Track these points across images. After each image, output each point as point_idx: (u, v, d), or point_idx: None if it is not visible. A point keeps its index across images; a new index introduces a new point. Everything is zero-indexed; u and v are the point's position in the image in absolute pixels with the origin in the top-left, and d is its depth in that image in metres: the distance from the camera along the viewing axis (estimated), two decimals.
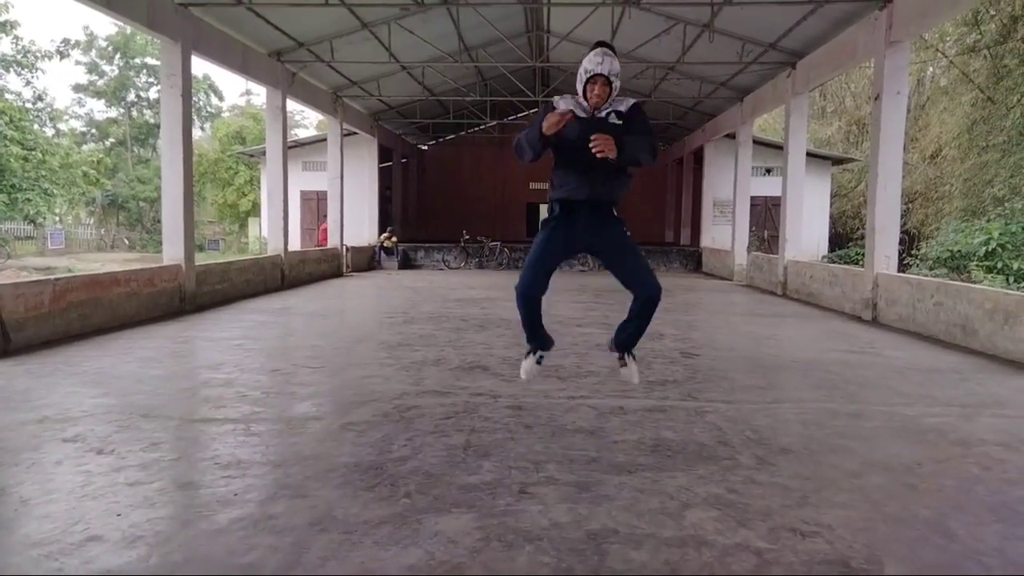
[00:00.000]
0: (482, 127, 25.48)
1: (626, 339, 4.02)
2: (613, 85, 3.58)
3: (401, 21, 13.25)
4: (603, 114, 3.63)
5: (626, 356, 4.05)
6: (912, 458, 3.92)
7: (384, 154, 22.29)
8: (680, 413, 4.79)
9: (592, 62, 3.57)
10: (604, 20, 12.98)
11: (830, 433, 4.37)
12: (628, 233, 3.80)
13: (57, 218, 34.78)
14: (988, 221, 15.85)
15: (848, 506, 3.22)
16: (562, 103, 3.69)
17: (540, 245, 3.78)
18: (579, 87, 3.63)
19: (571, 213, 3.73)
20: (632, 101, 3.69)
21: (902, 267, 14.83)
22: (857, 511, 3.17)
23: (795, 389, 5.68)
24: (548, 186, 3.87)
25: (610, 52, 3.62)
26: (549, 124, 3.43)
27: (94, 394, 5.11)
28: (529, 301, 3.87)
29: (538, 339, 4.08)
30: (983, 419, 4.78)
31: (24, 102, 31.86)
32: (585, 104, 3.64)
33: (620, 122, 3.62)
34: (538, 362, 4.09)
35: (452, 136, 27.30)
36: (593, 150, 3.36)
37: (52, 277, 7.71)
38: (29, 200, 26.88)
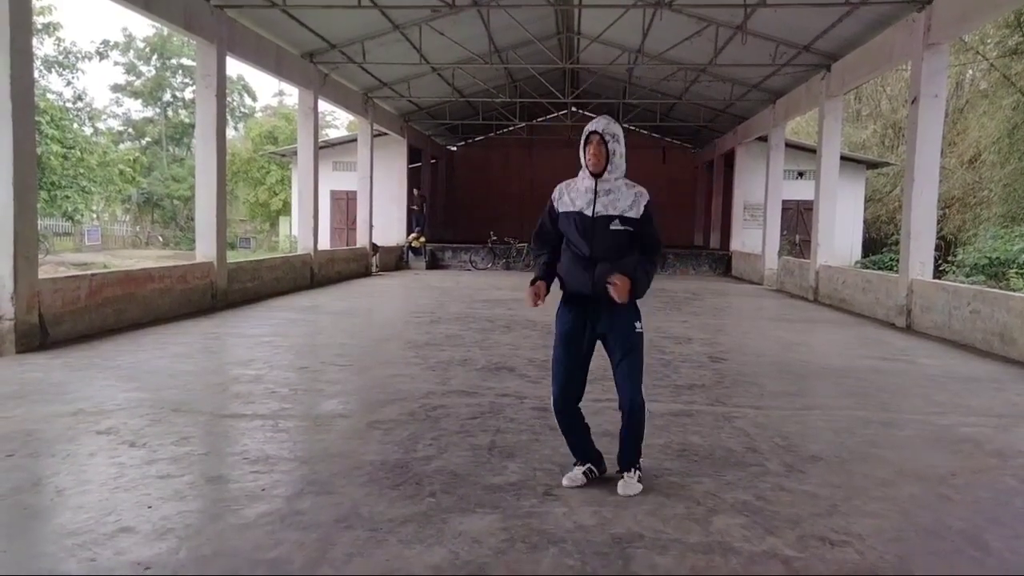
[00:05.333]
0: (511, 128, 25.49)
1: (622, 454, 3.54)
2: (610, 146, 3.34)
3: (432, 23, 13.31)
4: (603, 212, 3.37)
5: (626, 472, 3.50)
6: (946, 468, 3.83)
7: (414, 155, 22.40)
8: (707, 418, 4.74)
9: (590, 124, 3.43)
10: (635, 22, 12.91)
11: (861, 441, 4.29)
12: (639, 329, 3.44)
13: (94, 215, 35.50)
14: None
15: (879, 516, 3.16)
16: (561, 191, 3.53)
17: (557, 344, 3.54)
18: (581, 154, 3.42)
19: (579, 304, 3.47)
20: (644, 203, 3.39)
21: (938, 274, 14.52)
22: (888, 521, 3.11)
23: (826, 396, 5.59)
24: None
25: (611, 119, 3.46)
26: (528, 302, 3.51)
27: (127, 388, 5.21)
28: (563, 416, 3.53)
29: (581, 454, 3.60)
30: (1021, 430, 4.66)
31: (64, 102, 32.61)
32: (586, 173, 3.41)
33: (627, 228, 3.35)
34: (585, 475, 3.54)
35: (481, 137, 27.37)
36: (611, 292, 3.29)
37: (88, 273, 7.89)
38: (68, 197, 27.51)
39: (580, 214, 3.39)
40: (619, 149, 3.39)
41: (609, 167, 3.37)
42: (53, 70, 32.23)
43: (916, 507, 3.28)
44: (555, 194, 3.53)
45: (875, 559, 2.75)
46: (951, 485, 3.59)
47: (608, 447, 3.99)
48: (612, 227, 3.35)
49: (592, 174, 3.39)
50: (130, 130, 46.41)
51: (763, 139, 18.00)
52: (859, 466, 3.84)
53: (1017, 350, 7.21)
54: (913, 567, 2.70)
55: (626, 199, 3.38)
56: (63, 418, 4.40)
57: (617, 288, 3.27)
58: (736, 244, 20.52)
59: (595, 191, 3.39)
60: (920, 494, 3.45)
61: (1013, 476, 3.75)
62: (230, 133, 42.33)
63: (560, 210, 3.47)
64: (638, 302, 3.45)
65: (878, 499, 3.37)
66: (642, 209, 3.38)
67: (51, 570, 2.55)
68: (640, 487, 3.46)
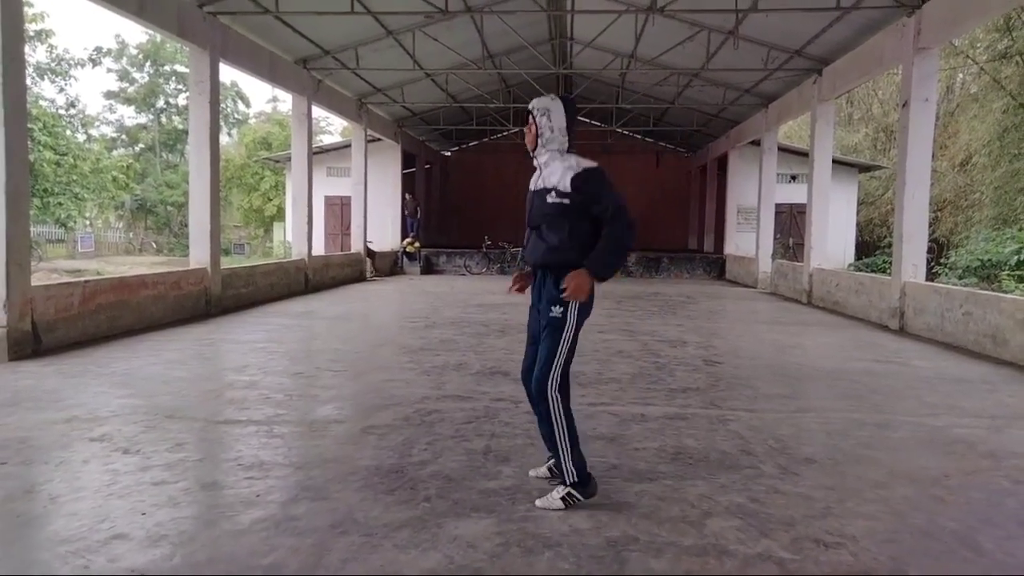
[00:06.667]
0: (505, 134, 25.55)
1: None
2: (538, 121, 3.32)
3: (425, 29, 13.34)
4: (541, 186, 3.33)
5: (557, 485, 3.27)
6: (939, 470, 3.85)
7: (408, 160, 22.42)
8: (702, 421, 4.75)
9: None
10: (628, 27, 12.97)
11: (855, 443, 4.31)
12: (555, 312, 3.23)
13: (87, 222, 35.40)
14: (1020, 230, 15.58)
15: (873, 517, 3.18)
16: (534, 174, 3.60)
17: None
18: None
19: (535, 275, 3.48)
20: (570, 176, 3.21)
21: (930, 276, 14.59)
22: (882, 523, 3.12)
23: (820, 398, 5.60)
24: None
25: (552, 96, 3.41)
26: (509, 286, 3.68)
27: (121, 395, 5.20)
28: (525, 384, 3.44)
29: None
30: (1013, 431, 4.69)
31: (57, 109, 32.57)
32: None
33: (561, 200, 3.23)
34: (550, 470, 3.46)
35: (475, 142, 27.41)
36: (564, 296, 3.15)
37: (82, 279, 7.86)
38: (60, 204, 27.45)
39: (530, 191, 3.45)
40: (548, 123, 3.34)
41: (540, 141, 3.38)
42: (46, 77, 32.22)
43: (909, 508, 3.30)
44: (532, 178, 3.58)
45: (869, 560, 2.76)
46: (944, 486, 3.61)
47: (601, 450, 4.00)
48: (549, 199, 3.29)
49: (531, 151, 3.44)
50: (123, 136, 46.26)
51: (756, 143, 18.09)
52: (853, 468, 3.86)
53: (1009, 351, 7.25)
54: (907, 568, 2.72)
55: (556, 173, 3.30)
56: (56, 425, 4.39)
57: (568, 288, 3.12)
58: (730, 248, 20.58)
59: (540, 167, 3.43)
60: (913, 495, 3.46)
61: (1006, 477, 3.77)
62: (224, 139, 42.27)
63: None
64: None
65: (872, 501, 3.38)
66: (568, 183, 3.22)
67: None
68: (559, 504, 3.15)
